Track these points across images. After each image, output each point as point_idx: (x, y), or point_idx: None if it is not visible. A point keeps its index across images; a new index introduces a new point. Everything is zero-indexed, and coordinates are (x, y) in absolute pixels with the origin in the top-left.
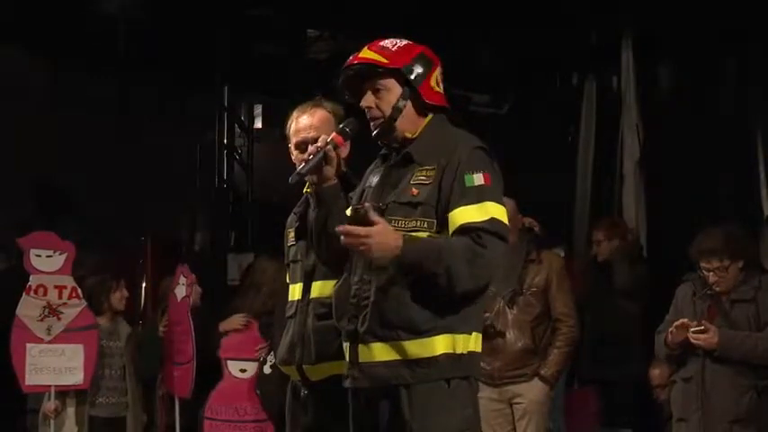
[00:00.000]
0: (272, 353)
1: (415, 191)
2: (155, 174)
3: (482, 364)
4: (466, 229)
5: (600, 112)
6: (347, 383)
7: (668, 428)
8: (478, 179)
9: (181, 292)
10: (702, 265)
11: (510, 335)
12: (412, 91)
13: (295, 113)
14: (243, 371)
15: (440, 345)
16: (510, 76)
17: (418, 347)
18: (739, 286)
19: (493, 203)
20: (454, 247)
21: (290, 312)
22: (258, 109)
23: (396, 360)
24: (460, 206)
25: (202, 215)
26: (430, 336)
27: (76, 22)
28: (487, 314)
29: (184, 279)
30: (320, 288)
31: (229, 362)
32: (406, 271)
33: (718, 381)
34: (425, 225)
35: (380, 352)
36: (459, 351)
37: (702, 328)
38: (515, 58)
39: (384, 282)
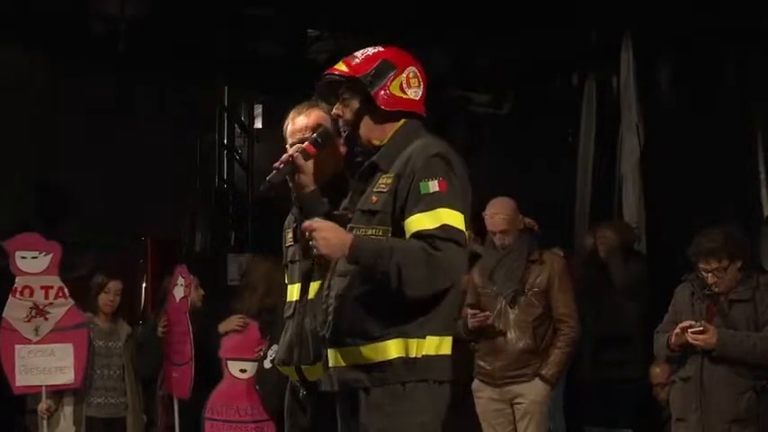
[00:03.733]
0: (272, 347)
1: (374, 199)
2: (155, 174)
3: (483, 363)
4: (419, 237)
5: (600, 112)
6: (321, 387)
7: (668, 428)
8: (433, 186)
9: (179, 292)
10: (701, 265)
11: (511, 335)
12: (369, 99)
13: (291, 114)
14: (243, 371)
15: (393, 349)
16: (510, 76)
17: (372, 352)
18: (738, 286)
19: (446, 210)
20: (407, 249)
21: (288, 313)
22: (258, 109)
23: (354, 364)
24: (414, 214)
25: (202, 215)
26: (383, 340)
27: (76, 22)
28: (488, 313)
29: (182, 280)
30: (318, 289)
31: (229, 362)
32: (358, 267)
33: (716, 381)
34: (380, 233)
35: (342, 357)
36: (412, 355)
37: (701, 328)
38: (515, 58)
39: (341, 288)
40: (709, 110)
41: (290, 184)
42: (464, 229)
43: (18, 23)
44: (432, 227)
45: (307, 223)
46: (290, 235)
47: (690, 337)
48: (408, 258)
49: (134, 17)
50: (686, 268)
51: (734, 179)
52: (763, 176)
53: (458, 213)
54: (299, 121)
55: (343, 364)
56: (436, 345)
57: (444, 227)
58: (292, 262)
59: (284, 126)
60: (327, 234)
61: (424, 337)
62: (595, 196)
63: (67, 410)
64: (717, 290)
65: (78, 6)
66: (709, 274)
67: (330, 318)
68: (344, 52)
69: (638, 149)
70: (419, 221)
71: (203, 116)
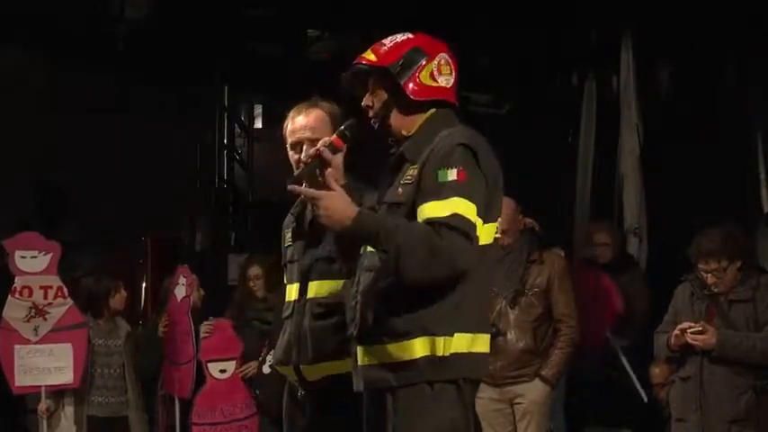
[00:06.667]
0: (271, 352)
1: (400, 191)
2: (155, 174)
3: None
4: (428, 224)
5: (600, 111)
6: (355, 387)
7: (668, 428)
8: (452, 175)
9: (181, 292)
10: (701, 266)
11: (511, 335)
12: (398, 89)
13: (291, 113)
14: (223, 371)
15: (419, 348)
16: (510, 76)
17: (398, 350)
18: (737, 287)
19: (460, 199)
20: (411, 230)
21: (286, 313)
22: (258, 109)
23: (380, 363)
24: (428, 201)
25: (202, 215)
26: (409, 338)
27: (76, 22)
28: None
29: (184, 279)
30: (317, 288)
31: (209, 364)
32: (358, 242)
33: (716, 381)
34: None
35: (369, 355)
36: (439, 354)
37: (701, 328)
38: (515, 58)
39: (367, 284)
40: (709, 110)
41: (320, 180)
42: (476, 221)
43: (18, 23)
44: (442, 215)
45: (310, 192)
46: (289, 235)
47: (689, 338)
48: (410, 240)
49: (134, 17)
50: (686, 268)
51: (734, 179)
52: (763, 176)
53: (472, 205)
54: (298, 121)
55: (368, 362)
56: (468, 342)
57: (454, 216)
58: (291, 262)
59: (284, 125)
60: (330, 204)
61: (452, 335)
62: (595, 196)
63: (68, 410)
64: (716, 290)
65: (78, 6)
66: (709, 275)
67: (357, 314)
68: (345, 52)
69: (637, 149)
70: (431, 209)
71: (203, 116)
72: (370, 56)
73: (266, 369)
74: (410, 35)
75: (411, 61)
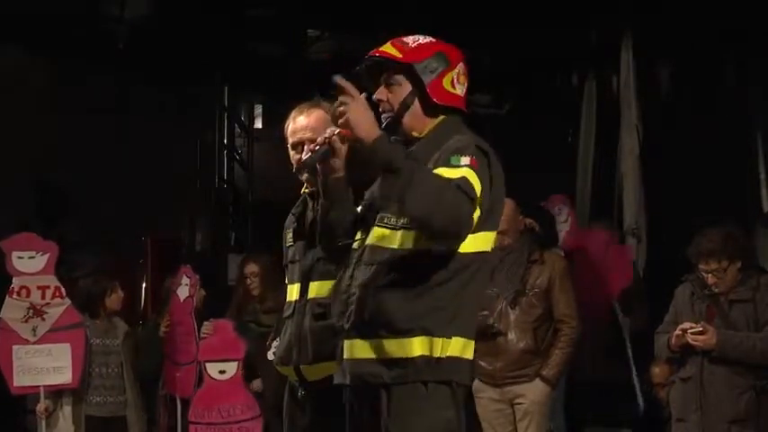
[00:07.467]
0: (276, 339)
1: None
2: (155, 174)
3: (484, 364)
4: None
5: (600, 111)
6: (335, 380)
7: (668, 428)
8: (465, 160)
9: (183, 292)
10: (701, 266)
11: (512, 335)
12: (421, 89)
13: (292, 114)
14: (222, 372)
15: (417, 346)
16: (510, 76)
17: (396, 347)
18: (737, 287)
19: (470, 170)
20: (430, 171)
21: (287, 313)
22: (258, 109)
23: (375, 358)
24: (438, 170)
25: (202, 215)
26: (408, 336)
27: (76, 22)
28: (486, 312)
29: (187, 279)
30: (318, 288)
31: (208, 364)
32: (376, 162)
33: (716, 381)
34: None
35: (362, 349)
36: (436, 355)
37: (701, 329)
38: (515, 58)
39: (368, 278)
40: (709, 110)
41: (319, 167)
42: (477, 193)
43: (18, 23)
44: (453, 176)
45: (350, 87)
46: (291, 235)
47: (690, 338)
48: (427, 177)
49: (134, 17)
50: (686, 268)
51: (734, 179)
52: (763, 176)
53: (478, 181)
54: (299, 121)
55: (360, 356)
56: (461, 347)
57: (464, 179)
58: (292, 262)
59: (285, 125)
60: (363, 110)
61: (450, 338)
62: (595, 196)
63: (66, 410)
64: (717, 290)
65: (78, 6)
66: (709, 275)
67: (352, 307)
68: (345, 52)
69: (637, 149)
70: (442, 173)
71: (203, 116)
72: (391, 50)
73: (270, 355)
74: (432, 38)
75: (436, 64)
